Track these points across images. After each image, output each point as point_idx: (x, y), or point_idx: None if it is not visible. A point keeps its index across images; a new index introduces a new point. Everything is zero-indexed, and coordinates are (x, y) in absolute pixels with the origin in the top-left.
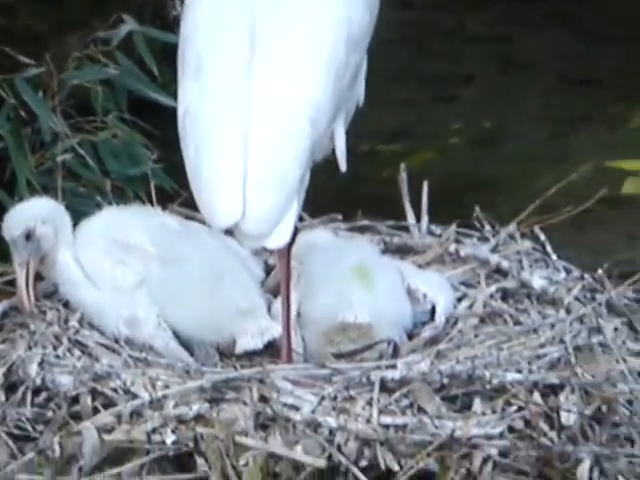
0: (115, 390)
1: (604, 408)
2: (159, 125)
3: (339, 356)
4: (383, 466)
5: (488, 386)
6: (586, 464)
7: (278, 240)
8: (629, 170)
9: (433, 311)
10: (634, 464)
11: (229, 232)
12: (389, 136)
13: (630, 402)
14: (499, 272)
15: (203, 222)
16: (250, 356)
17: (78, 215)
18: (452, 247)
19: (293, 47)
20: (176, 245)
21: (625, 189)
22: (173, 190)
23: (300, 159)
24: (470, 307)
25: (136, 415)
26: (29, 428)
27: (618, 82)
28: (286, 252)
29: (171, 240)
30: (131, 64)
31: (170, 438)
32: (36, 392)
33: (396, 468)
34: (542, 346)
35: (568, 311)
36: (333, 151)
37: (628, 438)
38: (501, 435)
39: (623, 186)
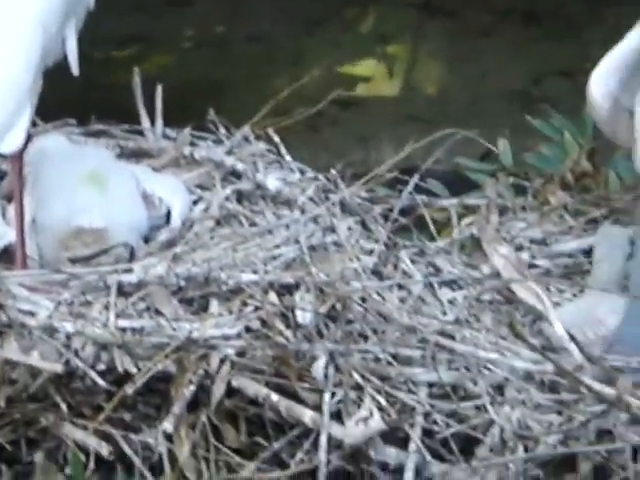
0: None
1: (339, 306)
2: None
3: (75, 261)
4: (121, 369)
5: (224, 287)
6: (321, 361)
7: (10, 146)
8: (361, 72)
9: (169, 215)
10: (367, 359)
11: None
12: (123, 42)
13: (364, 299)
14: (234, 174)
15: None
16: None
17: None
18: (187, 150)
19: None
20: None
21: (357, 91)
22: None
23: (31, 64)
24: (206, 210)
25: None
26: None
27: None
28: (19, 158)
29: None
30: None
31: None
32: None
33: (134, 371)
34: (277, 247)
35: (303, 211)
36: (65, 57)
37: (362, 334)
38: (238, 335)
39: (356, 88)
